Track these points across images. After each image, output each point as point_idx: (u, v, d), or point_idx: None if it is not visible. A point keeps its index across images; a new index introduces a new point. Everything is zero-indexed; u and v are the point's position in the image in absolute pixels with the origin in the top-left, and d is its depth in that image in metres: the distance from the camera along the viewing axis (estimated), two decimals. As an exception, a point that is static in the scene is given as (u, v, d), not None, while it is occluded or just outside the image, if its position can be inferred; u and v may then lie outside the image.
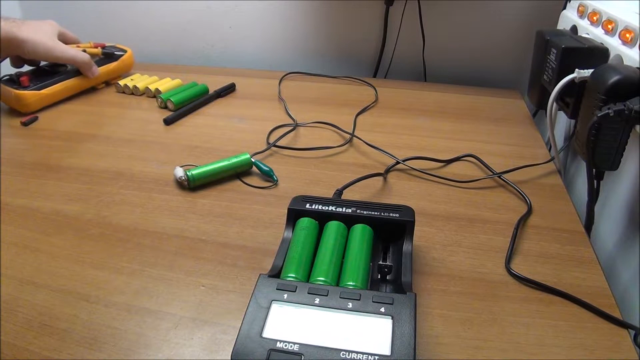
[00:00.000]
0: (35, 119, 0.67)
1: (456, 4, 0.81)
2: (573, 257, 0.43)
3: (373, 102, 0.74)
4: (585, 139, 0.43)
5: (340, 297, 0.31)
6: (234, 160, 0.53)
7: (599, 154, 0.44)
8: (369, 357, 0.27)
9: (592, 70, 0.46)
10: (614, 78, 0.42)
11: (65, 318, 0.35)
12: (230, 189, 0.52)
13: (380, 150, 0.58)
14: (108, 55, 0.77)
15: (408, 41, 0.85)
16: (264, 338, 0.28)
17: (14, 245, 0.43)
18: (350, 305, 0.31)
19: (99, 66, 0.76)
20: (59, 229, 0.45)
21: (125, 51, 0.80)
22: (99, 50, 0.76)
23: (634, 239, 0.47)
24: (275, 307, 0.31)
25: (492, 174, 0.55)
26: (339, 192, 0.48)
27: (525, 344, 0.34)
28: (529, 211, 0.48)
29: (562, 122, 0.67)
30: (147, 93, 0.76)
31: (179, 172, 0.52)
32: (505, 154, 0.59)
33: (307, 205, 0.40)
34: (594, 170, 0.47)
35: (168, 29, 0.94)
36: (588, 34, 0.57)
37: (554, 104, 0.55)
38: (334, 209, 0.40)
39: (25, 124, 0.65)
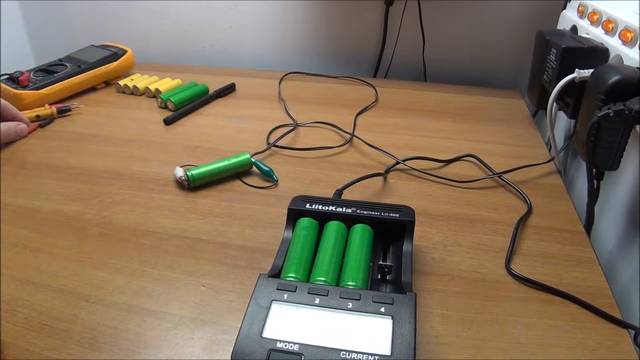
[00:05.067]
0: (51, 120, 0.67)
1: (456, 4, 0.81)
2: (573, 257, 0.43)
3: (373, 102, 0.74)
4: (585, 139, 0.43)
5: (340, 297, 0.31)
6: (234, 160, 0.53)
7: (599, 154, 0.44)
8: (369, 357, 0.27)
9: (592, 70, 0.46)
10: (614, 78, 0.42)
11: (65, 318, 0.35)
12: (230, 189, 0.52)
13: (380, 150, 0.58)
14: (62, 111, 0.68)
15: (408, 41, 0.85)
16: (264, 338, 0.28)
17: (14, 245, 0.43)
18: (350, 305, 0.31)
19: (100, 66, 0.76)
20: (59, 229, 0.45)
21: (125, 51, 0.80)
22: (53, 109, 0.67)
23: (634, 239, 0.47)
24: (275, 307, 0.31)
25: (492, 174, 0.55)
26: (339, 192, 0.48)
27: (525, 344, 0.34)
28: (529, 211, 0.48)
29: (562, 122, 0.67)
30: (147, 93, 0.76)
31: (179, 172, 0.52)
32: (505, 154, 0.59)
33: (307, 205, 0.40)
34: (594, 170, 0.47)
35: (168, 29, 0.94)
36: (588, 34, 0.57)
37: (554, 104, 0.55)
38: (334, 209, 0.40)
39: (41, 126, 0.65)
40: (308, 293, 0.31)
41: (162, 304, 0.37)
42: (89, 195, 0.50)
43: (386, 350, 0.28)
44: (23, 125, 0.61)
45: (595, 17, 0.56)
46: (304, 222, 0.39)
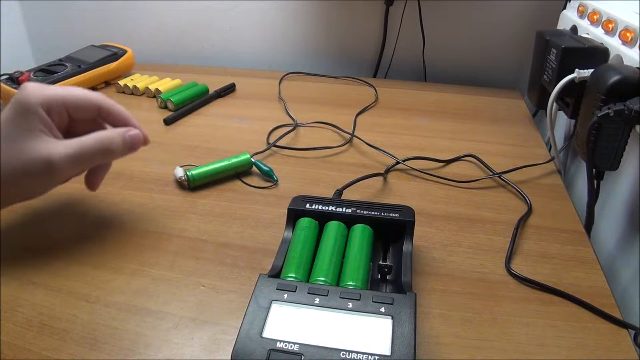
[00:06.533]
0: None
1: (456, 4, 0.81)
2: (573, 257, 0.43)
3: (373, 102, 0.74)
4: (585, 139, 0.43)
5: (340, 297, 0.31)
6: (234, 160, 0.53)
7: (599, 154, 0.44)
8: (369, 357, 0.27)
9: (592, 70, 0.46)
10: (614, 78, 0.42)
11: (65, 318, 0.35)
12: (230, 189, 0.52)
13: (380, 150, 0.58)
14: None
15: (408, 41, 0.85)
16: (264, 338, 0.28)
17: (14, 246, 0.43)
18: (350, 305, 0.31)
19: (100, 66, 0.76)
20: (59, 229, 0.45)
21: (125, 51, 0.80)
22: None
23: (634, 239, 0.47)
24: (275, 307, 0.31)
25: (492, 174, 0.55)
26: (339, 192, 0.48)
27: (525, 344, 0.34)
28: (529, 211, 0.48)
29: (562, 122, 0.67)
30: (147, 93, 0.76)
31: (179, 172, 0.52)
32: (505, 154, 0.59)
33: (307, 205, 0.40)
34: (594, 170, 0.47)
35: (168, 29, 0.94)
36: (588, 34, 0.57)
37: (554, 104, 0.55)
38: (334, 209, 0.40)
39: None
40: (308, 293, 0.31)
41: (162, 304, 0.37)
42: (89, 195, 0.50)
43: (386, 350, 0.28)
44: (134, 131, 0.41)
45: (595, 17, 0.56)
46: (304, 222, 0.39)
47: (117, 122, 0.41)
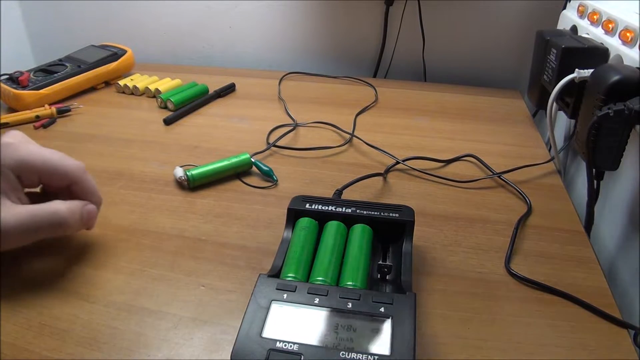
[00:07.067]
0: (54, 121, 0.66)
1: (456, 4, 0.81)
2: (573, 257, 0.43)
3: (373, 102, 0.74)
4: (585, 139, 0.43)
5: (340, 297, 0.31)
6: (234, 160, 0.53)
7: (599, 154, 0.44)
8: (369, 357, 0.27)
9: (592, 70, 0.46)
10: (614, 78, 0.42)
11: (65, 318, 0.35)
12: (230, 189, 0.52)
13: (380, 150, 0.58)
14: (62, 112, 0.68)
15: (408, 41, 0.85)
16: (264, 338, 0.28)
17: (13, 245, 0.43)
18: (349, 305, 0.31)
19: (100, 66, 0.76)
20: (59, 229, 0.45)
21: (125, 51, 0.80)
22: (53, 109, 0.67)
23: (634, 239, 0.47)
24: (275, 307, 0.31)
25: (492, 174, 0.55)
26: (339, 192, 0.48)
27: (525, 344, 0.34)
28: (529, 211, 0.48)
29: (562, 122, 0.67)
30: (147, 93, 0.76)
31: (179, 172, 0.52)
32: (505, 154, 0.59)
33: (307, 205, 0.40)
34: (594, 170, 0.47)
35: (168, 29, 0.94)
36: (588, 34, 0.57)
37: (554, 104, 0.55)
38: (333, 209, 0.40)
39: (44, 126, 0.65)
40: (308, 293, 0.31)
41: (162, 304, 0.37)
42: (89, 195, 0.50)
43: (386, 350, 0.28)
44: (91, 207, 0.40)
45: (595, 17, 0.56)
46: (304, 222, 0.39)
47: (87, 199, 0.40)
